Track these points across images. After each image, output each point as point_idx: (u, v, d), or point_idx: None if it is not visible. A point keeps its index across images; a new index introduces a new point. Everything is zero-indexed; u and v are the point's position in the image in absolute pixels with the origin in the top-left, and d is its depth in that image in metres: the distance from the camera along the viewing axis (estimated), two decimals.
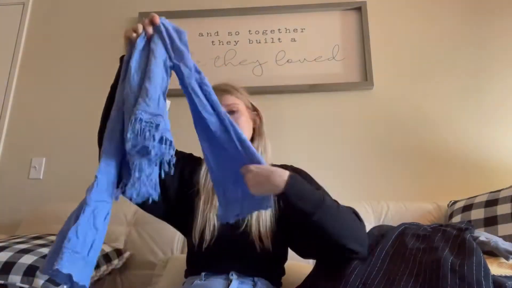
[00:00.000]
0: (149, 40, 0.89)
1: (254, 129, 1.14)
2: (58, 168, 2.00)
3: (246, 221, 1.01)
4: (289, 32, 2.10)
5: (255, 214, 1.02)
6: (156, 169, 0.83)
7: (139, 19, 2.14)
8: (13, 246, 1.19)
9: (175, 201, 1.07)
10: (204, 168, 1.10)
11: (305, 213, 0.83)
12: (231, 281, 0.98)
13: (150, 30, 0.88)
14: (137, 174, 0.80)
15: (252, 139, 1.12)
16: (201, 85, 0.88)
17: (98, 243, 0.80)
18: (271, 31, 2.11)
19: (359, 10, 2.08)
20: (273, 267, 1.08)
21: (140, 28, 0.88)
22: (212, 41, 2.11)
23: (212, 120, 0.87)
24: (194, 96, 0.86)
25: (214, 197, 1.03)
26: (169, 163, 0.80)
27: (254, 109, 1.15)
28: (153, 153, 0.77)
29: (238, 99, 1.11)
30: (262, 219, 1.02)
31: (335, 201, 0.91)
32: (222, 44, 2.10)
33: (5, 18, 2.26)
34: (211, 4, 2.15)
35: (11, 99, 2.12)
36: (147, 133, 0.77)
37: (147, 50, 0.88)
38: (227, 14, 2.13)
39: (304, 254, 1.03)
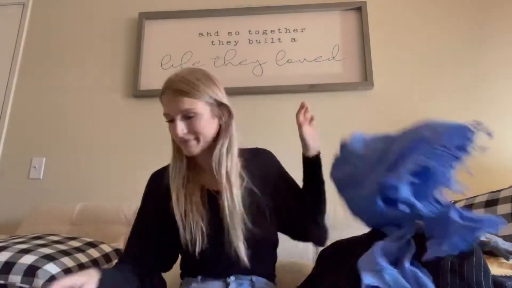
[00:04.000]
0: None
1: (220, 126, 1.01)
2: (58, 168, 2.00)
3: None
4: (289, 32, 2.10)
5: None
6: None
7: (139, 19, 2.14)
8: (13, 246, 1.18)
9: (167, 228, 1.03)
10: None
11: (320, 179, 1.11)
12: (229, 284, 0.98)
13: None
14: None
15: (217, 137, 1.00)
16: None
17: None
18: (271, 31, 2.11)
19: (359, 10, 2.08)
20: (267, 263, 1.09)
21: None
22: (212, 41, 2.11)
23: None
24: None
25: (193, 198, 1.00)
26: None
27: (220, 103, 0.99)
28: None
29: (196, 99, 0.94)
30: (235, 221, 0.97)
31: None
32: (222, 44, 2.10)
33: (5, 18, 2.26)
34: (211, 4, 2.15)
35: (11, 99, 2.12)
36: None
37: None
38: (227, 14, 2.13)
39: (294, 237, 1.14)
